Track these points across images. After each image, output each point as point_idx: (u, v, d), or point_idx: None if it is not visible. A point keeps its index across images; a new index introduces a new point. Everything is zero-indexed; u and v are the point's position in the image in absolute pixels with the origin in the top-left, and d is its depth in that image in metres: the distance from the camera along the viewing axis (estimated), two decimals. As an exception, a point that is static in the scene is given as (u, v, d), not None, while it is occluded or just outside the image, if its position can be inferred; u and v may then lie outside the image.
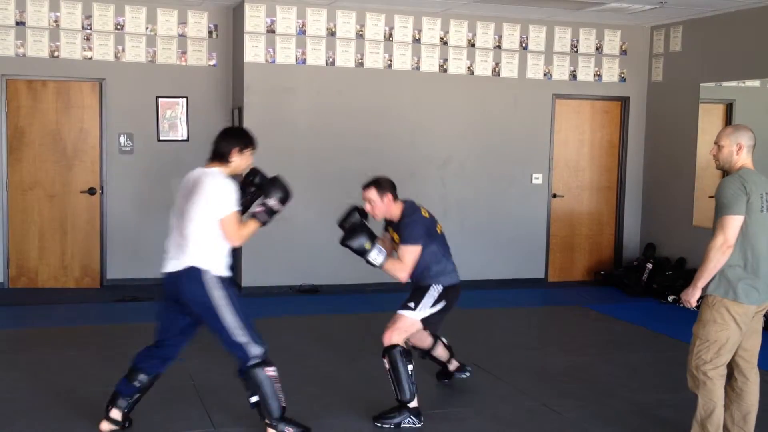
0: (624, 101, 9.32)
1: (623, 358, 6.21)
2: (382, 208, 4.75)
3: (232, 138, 4.36)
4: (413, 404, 4.59)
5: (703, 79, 8.49)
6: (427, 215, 4.88)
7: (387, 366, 4.60)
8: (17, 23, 7.86)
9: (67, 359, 5.73)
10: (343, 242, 4.68)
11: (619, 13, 8.42)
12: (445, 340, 5.35)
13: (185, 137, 8.41)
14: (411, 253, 4.68)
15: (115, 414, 4.37)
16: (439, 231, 4.95)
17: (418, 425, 4.59)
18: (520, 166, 9.02)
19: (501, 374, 5.65)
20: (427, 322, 4.81)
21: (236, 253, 8.20)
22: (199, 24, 8.40)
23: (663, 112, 9.08)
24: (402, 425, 4.58)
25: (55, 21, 7.96)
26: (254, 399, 4.25)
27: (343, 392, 5.21)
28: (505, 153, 8.96)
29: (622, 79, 9.25)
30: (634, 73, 9.27)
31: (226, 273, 4.22)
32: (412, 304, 4.75)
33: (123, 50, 8.18)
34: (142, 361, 4.38)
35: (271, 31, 8.14)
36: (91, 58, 8.09)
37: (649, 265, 8.61)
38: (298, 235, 8.37)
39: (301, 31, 8.24)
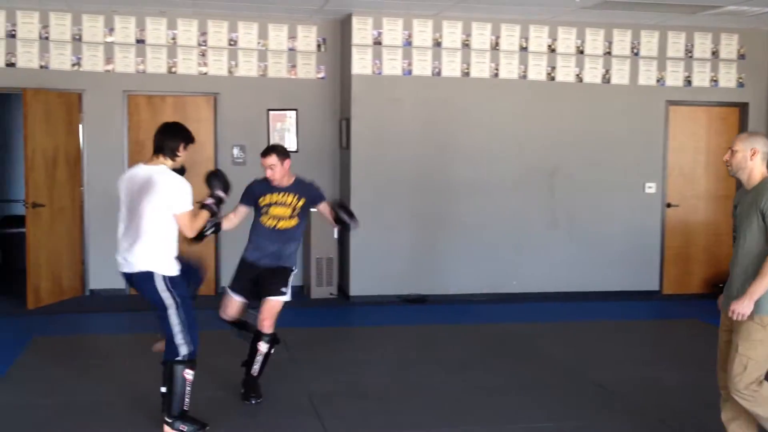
0: (742, 107, 8.94)
1: (744, 374, 5.92)
2: (282, 171, 5.12)
3: (179, 134, 4.51)
4: None
5: (829, 82, 8.06)
6: None
7: (264, 350, 5.05)
8: (137, 41, 8.23)
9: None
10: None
11: (736, 17, 8.08)
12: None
13: (295, 148, 8.59)
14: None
15: None
16: None
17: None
18: (632, 174, 8.78)
19: (614, 388, 5.50)
20: None
21: (344, 262, 8.34)
22: (308, 38, 8.58)
23: (785, 118, 8.66)
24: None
25: (173, 38, 8.29)
26: (164, 390, 4.45)
27: (446, 404, 5.18)
28: (616, 161, 8.74)
29: (740, 84, 8.88)
30: (753, 77, 8.88)
31: (174, 272, 4.42)
32: (284, 290, 5.12)
33: (236, 65, 8.44)
34: None
35: (377, 42, 8.23)
36: (206, 74, 8.38)
37: (771, 278, 8.19)
38: (406, 245, 8.41)
39: (408, 42, 8.30)
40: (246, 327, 5.33)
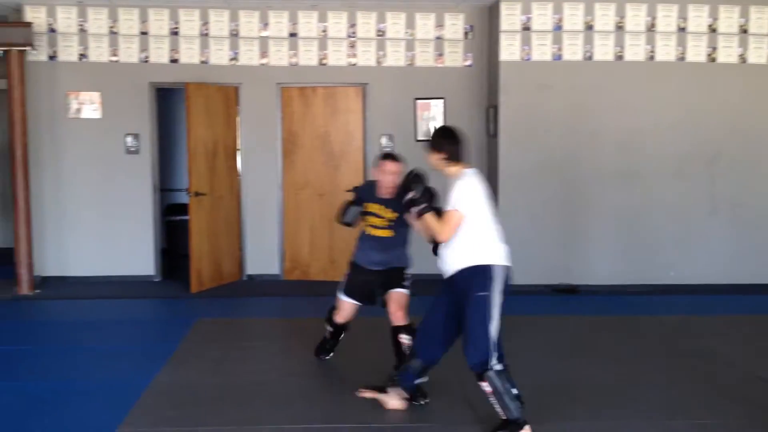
0: None
1: None
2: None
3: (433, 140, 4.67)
4: None
5: None
6: None
7: (408, 341, 4.97)
8: (290, 35, 8.49)
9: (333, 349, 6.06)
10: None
11: None
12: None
13: (442, 137, 8.59)
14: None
15: None
16: None
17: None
18: (800, 160, 8.24)
19: (784, 387, 5.19)
20: None
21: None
22: (455, 26, 8.56)
23: None
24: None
25: (323, 31, 8.49)
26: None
27: (599, 396, 5.05)
28: (782, 146, 8.23)
29: None
30: None
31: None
32: (406, 282, 5.22)
33: (384, 55, 8.54)
34: None
35: (526, 28, 8.10)
36: (355, 64, 8.53)
37: None
38: (556, 234, 8.26)
39: (558, 27, 8.12)
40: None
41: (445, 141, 4.57)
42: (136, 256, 8.57)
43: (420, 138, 8.58)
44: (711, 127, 8.20)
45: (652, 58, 8.15)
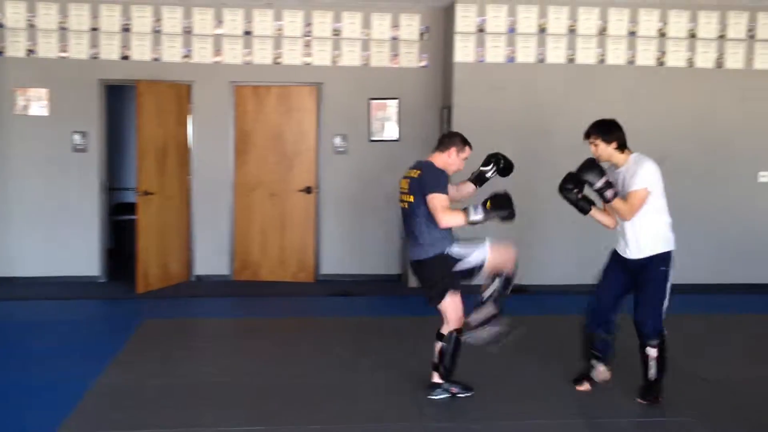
0: None
1: None
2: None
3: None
4: None
5: None
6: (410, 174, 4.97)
7: None
8: (245, 33, 8.41)
9: (282, 349, 6.01)
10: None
11: None
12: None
13: (396, 137, 8.59)
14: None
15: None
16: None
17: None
18: (745, 163, 8.38)
19: (725, 384, 5.25)
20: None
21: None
22: (410, 26, 8.55)
23: None
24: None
25: (279, 29, 8.43)
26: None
27: (527, 395, 5.08)
28: (728, 150, 8.36)
29: None
30: None
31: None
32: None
33: (339, 55, 8.50)
34: None
35: (481, 30, 8.13)
36: (310, 64, 8.48)
37: None
38: (507, 236, 8.26)
39: (512, 29, 8.16)
40: None
41: (613, 131, 4.80)
42: (82, 256, 8.40)
43: (374, 138, 8.56)
44: (659, 130, 8.26)
45: (602, 61, 8.24)
